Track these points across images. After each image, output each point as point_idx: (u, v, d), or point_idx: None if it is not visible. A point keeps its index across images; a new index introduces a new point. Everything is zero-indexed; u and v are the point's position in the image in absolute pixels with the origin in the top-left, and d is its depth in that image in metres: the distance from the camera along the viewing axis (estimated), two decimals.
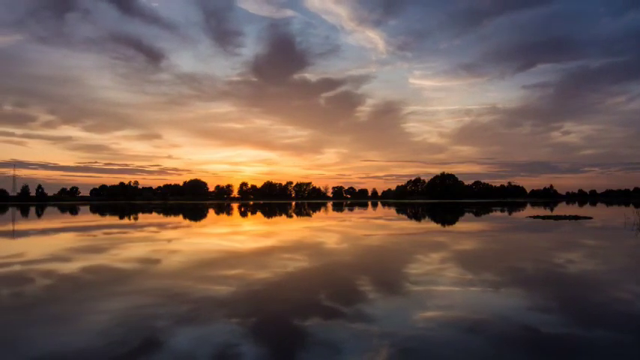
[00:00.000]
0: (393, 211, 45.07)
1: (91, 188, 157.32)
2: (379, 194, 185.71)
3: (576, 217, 27.27)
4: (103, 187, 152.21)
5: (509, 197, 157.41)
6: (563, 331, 4.62)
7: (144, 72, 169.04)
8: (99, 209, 52.13)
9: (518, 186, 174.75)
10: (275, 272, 8.21)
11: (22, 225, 23.82)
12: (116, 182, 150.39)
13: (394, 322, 4.94)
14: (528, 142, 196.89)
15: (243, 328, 4.77)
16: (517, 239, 14.88)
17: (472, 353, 4.00)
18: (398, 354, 3.98)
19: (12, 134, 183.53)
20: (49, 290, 6.79)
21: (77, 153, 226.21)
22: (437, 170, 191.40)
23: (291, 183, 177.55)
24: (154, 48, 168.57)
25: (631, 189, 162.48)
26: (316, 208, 58.40)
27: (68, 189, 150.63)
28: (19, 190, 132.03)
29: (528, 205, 61.33)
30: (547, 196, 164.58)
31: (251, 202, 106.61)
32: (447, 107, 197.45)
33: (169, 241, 14.32)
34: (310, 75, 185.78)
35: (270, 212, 43.15)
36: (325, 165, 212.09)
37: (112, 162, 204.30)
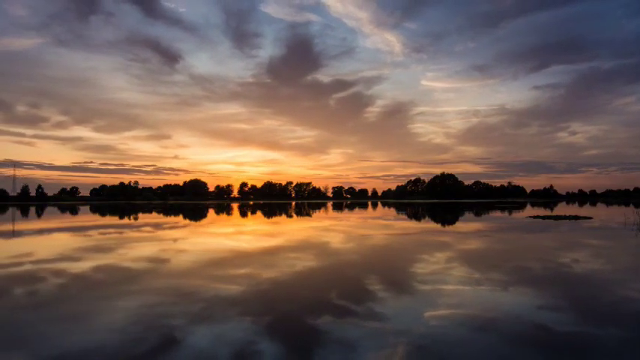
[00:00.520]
0: (393, 211, 45.16)
1: (91, 188, 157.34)
2: (379, 194, 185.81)
3: (576, 217, 27.37)
4: (103, 187, 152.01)
5: (509, 197, 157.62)
6: (575, 330, 4.70)
7: (158, 73, 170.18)
8: (99, 209, 52.15)
9: (518, 186, 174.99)
10: (283, 271, 8.29)
11: (26, 225, 23.87)
12: (117, 182, 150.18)
13: (407, 321, 5.02)
14: (534, 142, 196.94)
15: (258, 326, 4.84)
16: (519, 239, 14.98)
17: (488, 351, 4.08)
18: (414, 351, 4.06)
19: (22, 134, 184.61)
20: (63, 289, 6.86)
21: (83, 153, 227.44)
22: (438, 170, 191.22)
23: (291, 183, 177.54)
24: (171, 49, 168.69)
25: (631, 189, 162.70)
26: (316, 208, 58.48)
27: (68, 189, 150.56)
28: (19, 190, 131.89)
29: (528, 205, 61.46)
30: (547, 196, 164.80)
31: (251, 202, 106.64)
32: (455, 108, 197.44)
33: (175, 240, 14.40)
34: (323, 76, 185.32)
35: (271, 212, 43.21)
36: (330, 165, 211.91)
37: (118, 162, 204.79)
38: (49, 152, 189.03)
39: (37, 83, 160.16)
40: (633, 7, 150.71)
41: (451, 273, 8.04)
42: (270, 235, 16.60)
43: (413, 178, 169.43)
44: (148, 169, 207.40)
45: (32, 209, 53.00)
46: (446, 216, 32.90)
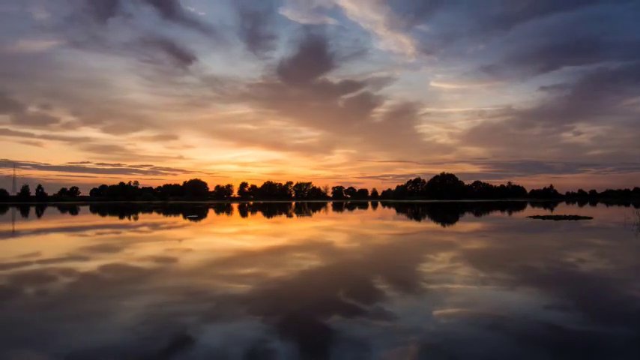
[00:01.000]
0: (393, 211, 45.22)
1: (91, 188, 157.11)
2: (379, 194, 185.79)
3: (576, 217, 27.45)
4: (103, 187, 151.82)
5: (510, 197, 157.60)
6: (582, 329, 4.75)
7: (170, 74, 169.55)
8: (99, 209, 52.16)
9: (518, 186, 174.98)
10: (290, 271, 8.34)
11: (29, 225, 23.89)
12: (117, 182, 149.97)
13: (416, 320, 5.07)
14: (537, 142, 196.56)
15: (268, 325, 4.89)
16: (520, 239, 15.05)
17: (499, 350, 4.14)
18: (426, 350, 4.12)
19: (31, 135, 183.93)
20: (74, 289, 6.91)
21: (89, 153, 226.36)
22: (438, 170, 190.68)
23: (291, 183, 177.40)
24: (185, 50, 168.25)
25: (631, 189, 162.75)
26: (317, 208, 58.52)
27: (68, 189, 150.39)
28: (19, 190, 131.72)
29: (528, 205, 61.54)
30: (547, 196, 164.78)
31: (251, 202, 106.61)
32: (461, 109, 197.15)
33: (180, 240, 14.44)
34: (333, 77, 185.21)
35: (272, 212, 43.26)
36: (333, 165, 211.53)
37: (122, 163, 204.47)
38: (54, 153, 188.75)
39: (51, 84, 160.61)
40: None
41: (456, 272, 8.10)
42: (274, 235, 16.65)
43: (413, 178, 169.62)
44: (148, 169, 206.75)
45: (32, 209, 52.99)
46: (446, 216, 32.97)
